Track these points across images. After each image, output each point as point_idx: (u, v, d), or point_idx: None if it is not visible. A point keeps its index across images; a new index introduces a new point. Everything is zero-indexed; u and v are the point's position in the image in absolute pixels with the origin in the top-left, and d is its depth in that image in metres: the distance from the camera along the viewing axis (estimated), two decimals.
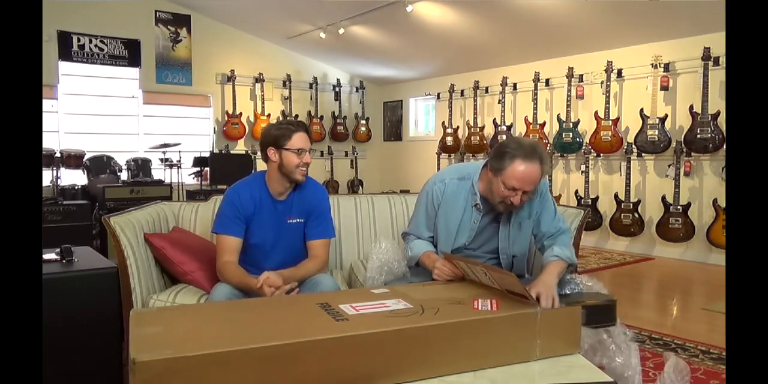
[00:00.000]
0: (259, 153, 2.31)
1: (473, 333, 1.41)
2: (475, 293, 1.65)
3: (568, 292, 1.96)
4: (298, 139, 2.12)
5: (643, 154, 5.30)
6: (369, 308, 1.48)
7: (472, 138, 6.73)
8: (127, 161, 5.89)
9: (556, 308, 1.57)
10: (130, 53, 6.60)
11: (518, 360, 1.45)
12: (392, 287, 1.80)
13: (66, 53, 6.21)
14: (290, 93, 7.53)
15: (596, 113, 5.53)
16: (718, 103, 4.73)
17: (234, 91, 7.13)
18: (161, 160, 5.97)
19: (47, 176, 5.33)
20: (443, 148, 7.10)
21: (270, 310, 1.58)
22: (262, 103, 7.27)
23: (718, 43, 4.71)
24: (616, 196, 5.40)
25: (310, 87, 7.86)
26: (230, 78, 7.14)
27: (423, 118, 8.33)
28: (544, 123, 6.05)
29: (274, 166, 2.16)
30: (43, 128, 5.69)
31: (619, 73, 5.50)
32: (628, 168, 5.31)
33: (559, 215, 2.13)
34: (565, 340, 1.52)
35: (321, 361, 1.25)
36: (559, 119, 5.85)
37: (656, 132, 5.06)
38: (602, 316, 1.80)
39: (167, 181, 5.71)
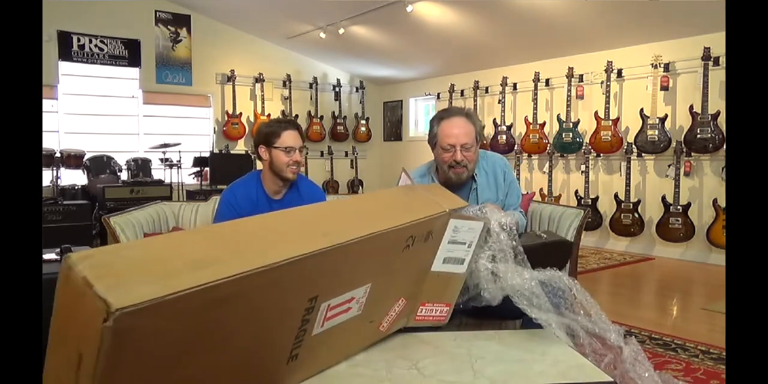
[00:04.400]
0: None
1: None
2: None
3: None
4: (288, 137, 2.13)
5: (643, 154, 5.30)
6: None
7: None
8: (127, 161, 5.89)
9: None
10: (130, 53, 6.60)
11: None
12: None
13: (66, 53, 6.22)
14: (290, 93, 7.53)
15: (596, 113, 5.53)
16: (718, 103, 4.73)
17: (234, 91, 7.14)
18: (161, 160, 5.98)
19: (47, 176, 5.33)
20: None
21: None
22: (262, 103, 7.27)
23: (718, 43, 4.71)
24: (616, 196, 5.40)
25: (310, 87, 7.86)
26: (230, 78, 7.14)
27: (423, 118, 8.33)
28: (544, 123, 6.05)
29: (266, 164, 2.17)
30: (43, 128, 5.69)
31: (619, 73, 5.50)
32: (628, 168, 5.31)
33: (519, 203, 2.21)
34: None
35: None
36: (559, 119, 5.85)
37: (656, 132, 5.06)
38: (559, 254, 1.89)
39: (167, 181, 5.72)
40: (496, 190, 2.12)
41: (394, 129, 8.52)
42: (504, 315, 2.05)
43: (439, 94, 7.56)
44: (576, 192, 5.73)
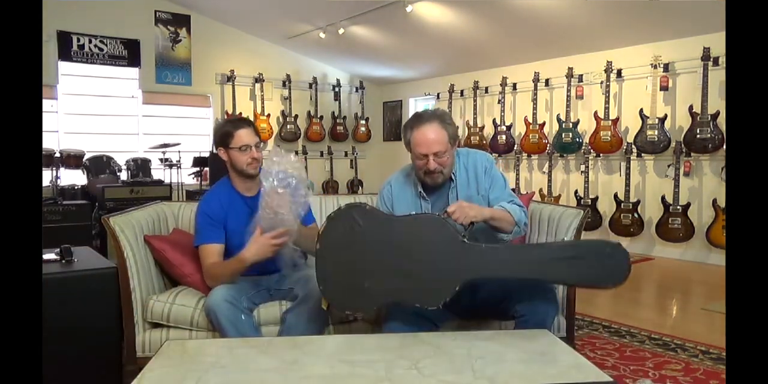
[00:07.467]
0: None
1: None
2: None
3: None
4: (241, 136, 2.15)
5: (642, 155, 5.30)
6: None
7: (471, 138, 6.73)
8: (126, 161, 5.89)
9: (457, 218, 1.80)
10: (129, 53, 6.60)
11: None
12: None
13: (66, 53, 6.21)
14: (290, 93, 7.53)
15: (596, 113, 5.53)
16: (717, 103, 4.73)
17: (234, 91, 7.14)
18: (161, 160, 5.97)
19: (47, 176, 5.32)
20: None
21: None
22: (262, 103, 7.27)
23: (717, 43, 4.71)
24: (615, 196, 5.40)
25: (310, 87, 7.86)
26: (230, 78, 7.14)
27: None
28: (544, 123, 6.05)
29: (228, 165, 2.22)
30: (43, 128, 5.68)
31: (619, 73, 5.50)
32: (628, 168, 5.31)
33: (510, 190, 2.12)
34: None
35: None
36: (558, 119, 5.85)
37: (656, 132, 5.06)
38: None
39: (167, 181, 5.71)
40: (477, 186, 2.08)
41: (394, 129, 8.52)
42: (497, 315, 2.05)
43: (438, 94, 7.56)
44: (576, 192, 5.73)
